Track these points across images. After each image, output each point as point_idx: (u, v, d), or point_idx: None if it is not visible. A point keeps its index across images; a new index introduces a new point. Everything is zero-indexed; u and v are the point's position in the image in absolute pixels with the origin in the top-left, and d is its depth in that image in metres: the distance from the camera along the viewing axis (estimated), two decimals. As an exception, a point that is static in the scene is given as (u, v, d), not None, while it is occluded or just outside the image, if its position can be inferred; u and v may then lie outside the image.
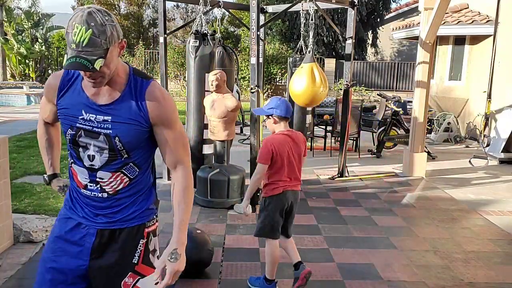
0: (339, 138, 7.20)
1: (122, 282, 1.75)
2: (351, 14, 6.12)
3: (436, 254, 3.93)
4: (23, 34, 21.48)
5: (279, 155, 3.05)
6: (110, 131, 1.65)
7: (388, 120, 8.19)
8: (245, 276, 3.44)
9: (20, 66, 21.27)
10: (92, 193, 1.73)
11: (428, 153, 7.44)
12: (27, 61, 21.15)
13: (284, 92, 16.46)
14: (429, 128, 9.22)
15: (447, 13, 9.10)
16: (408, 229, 4.54)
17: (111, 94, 1.66)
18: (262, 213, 3.13)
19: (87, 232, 1.75)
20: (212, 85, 4.67)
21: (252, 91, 4.97)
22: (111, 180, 1.71)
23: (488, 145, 7.92)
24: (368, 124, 8.56)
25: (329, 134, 8.10)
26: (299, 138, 3.20)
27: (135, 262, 1.77)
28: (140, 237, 1.78)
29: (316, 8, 5.53)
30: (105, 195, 1.72)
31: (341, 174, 6.41)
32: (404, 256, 3.88)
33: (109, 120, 1.65)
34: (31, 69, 21.26)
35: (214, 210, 4.88)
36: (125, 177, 1.72)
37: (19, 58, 20.85)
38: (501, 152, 7.61)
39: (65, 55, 1.50)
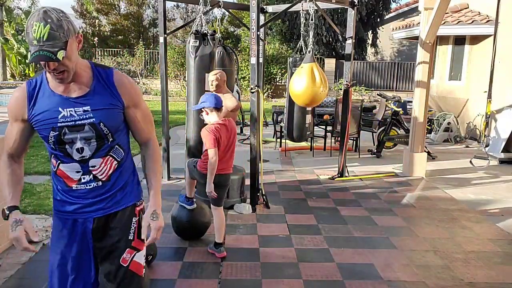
0: (339, 138, 7.20)
1: (121, 259, 1.93)
2: (351, 14, 6.11)
3: (436, 254, 3.93)
4: (23, 34, 21.47)
5: (219, 141, 3.60)
6: (94, 119, 1.78)
7: (388, 120, 8.19)
8: (245, 276, 3.44)
9: (20, 66, 21.27)
10: (87, 185, 1.86)
11: (428, 153, 7.44)
12: (27, 61, 21.14)
13: (284, 92, 16.46)
14: (429, 128, 9.22)
15: (447, 13, 9.10)
16: (408, 229, 4.54)
17: (81, 88, 1.78)
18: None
19: (85, 225, 1.91)
20: (212, 85, 4.67)
21: (252, 91, 4.97)
22: (102, 165, 1.85)
23: (487, 145, 7.92)
24: (368, 124, 8.56)
25: (329, 134, 8.10)
26: (232, 127, 3.76)
27: (131, 238, 1.95)
28: (133, 216, 1.97)
29: (316, 8, 5.53)
30: (100, 183, 1.87)
31: (341, 174, 6.41)
32: (404, 256, 3.88)
33: (89, 110, 1.78)
34: (31, 69, 21.25)
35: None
36: (113, 160, 1.88)
37: (19, 58, 20.85)
38: (501, 152, 7.61)
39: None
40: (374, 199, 5.49)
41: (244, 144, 8.35)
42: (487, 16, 9.28)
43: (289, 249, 3.96)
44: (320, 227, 4.50)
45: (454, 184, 6.25)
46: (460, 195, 5.74)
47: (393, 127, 8.15)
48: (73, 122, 1.76)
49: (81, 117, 1.77)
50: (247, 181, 5.02)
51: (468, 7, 10.17)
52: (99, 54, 21.39)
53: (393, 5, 21.05)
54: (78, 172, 1.83)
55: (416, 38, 7.30)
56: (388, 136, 8.04)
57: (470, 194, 5.78)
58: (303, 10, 5.85)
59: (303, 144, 8.06)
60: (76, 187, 1.85)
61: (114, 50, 21.67)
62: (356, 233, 4.37)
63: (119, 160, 1.90)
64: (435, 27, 6.19)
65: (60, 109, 1.76)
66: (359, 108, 7.82)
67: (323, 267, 3.62)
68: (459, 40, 10.13)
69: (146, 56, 20.38)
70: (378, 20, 20.25)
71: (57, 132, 1.76)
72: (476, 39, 9.70)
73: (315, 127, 7.97)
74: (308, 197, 5.48)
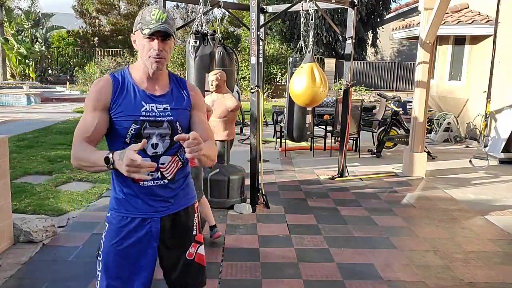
0: (339, 138, 7.20)
1: (187, 253, 2.05)
2: (351, 14, 6.12)
3: (436, 254, 3.93)
4: (23, 34, 21.50)
5: None
6: (172, 117, 1.91)
7: (388, 120, 8.19)
8: (245, 276, 3.44)
9: (20, 66, 21.29)
10: (154, 181, 1.92)
11: (428, 153, 7.44)
12: (27, 61, 21.17)
13: (284, 92, 16.46)
14: (429, 128, 9.22)
15: (447, 13, 9.10)
16: (408, 229, 4.54)
17: (162, 88, 1.94)
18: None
19: (151, 224, 1.96)
20: (212, 85, 4.66)
21: (252, 91, 4.97)
22: (171, 163, 1.94)
23: (485, 145, 7.92)
24: (368, 124, 8.56)
25: (329, 134, 8.10)
26: None
27: (195, 233, 2.09)
28: (194, 213, 2.10)
29: (316, 8, 5.53)
30: (166, 181, 1.94)
31: (341, 174, 6.41)
32: (404, 256, 3.88)
33: (169, 108, 1.92)
34: (31, 69, 21.28)
35: (214, 210, 4.84)
36: (179, 160, 1.98)
37: (19, 58, 20.87)
38: (501, 152, 7.60)
39: (146, 30, 1.80)
40: (374, 199, 5.49)
41: (244, 144, 8.35)
42: (487, 16, 9.28)
43: (289, 249, 3.96)
44: (320, 227, 4.50)
45: (454, 184, 6.25)
46: (460, 195, 5.74)
47: (393, 127, 8.15)
48: (154, 118, 1.88)
49: (161, 114, 1.89)
50: (247, 181, 5.02)
51: (468, 7, 10.17)
52: (99, 54, 21.37)
53: (393, 5, 21.05)
54: None
55: (416, 38, 7.30)
56: (388, 136, 8.04)
57: (470, 194, 5.79)
58: (303, 10, 5.85)
59: (303, 144, 8.06)
60: (143, 183, 1.90)
61: (114, 50, 21.67)
62: (356, 233, 4.37)
63: (183, 161, 1.99)
64: (435, 27, 6.19)
65: (143, 103, 1.87)
66: (359, 108, 7.83)
67: (323, 267, 3.62)
68: (459, 40, 10.13)
69: (146, 56, 20.35)
70: (378, 20, 20.25)
71: (139, 126, 1.85)
72: (476, 39, 9.70)
73: (315, 127, 7.97)
74: (308, 197, 5.48)
